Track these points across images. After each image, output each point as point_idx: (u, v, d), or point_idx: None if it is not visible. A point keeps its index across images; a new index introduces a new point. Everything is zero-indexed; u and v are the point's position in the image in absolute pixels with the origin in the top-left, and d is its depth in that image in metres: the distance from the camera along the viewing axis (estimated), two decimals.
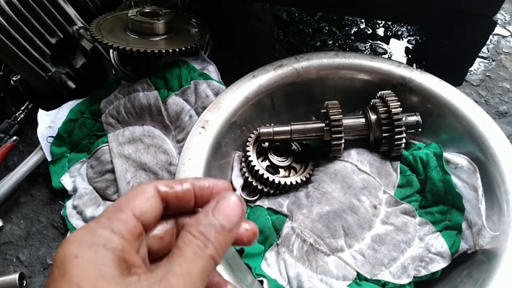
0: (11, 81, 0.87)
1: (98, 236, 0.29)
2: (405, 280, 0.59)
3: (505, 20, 1.15)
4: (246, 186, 0.71)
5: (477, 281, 0.56)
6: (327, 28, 1.08)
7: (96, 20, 0.84)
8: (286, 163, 0.73)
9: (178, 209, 0.36)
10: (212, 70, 0.82)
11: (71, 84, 0.83)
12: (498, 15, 1.13)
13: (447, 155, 0.68)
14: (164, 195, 0.35)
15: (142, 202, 0.33)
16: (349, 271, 0.60)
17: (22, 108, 0.87)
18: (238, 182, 0.71)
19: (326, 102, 0.71)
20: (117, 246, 0.29)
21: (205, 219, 0.31)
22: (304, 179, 0.71)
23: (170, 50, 0.77)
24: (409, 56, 1.03)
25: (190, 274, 0.29)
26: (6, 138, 0.82)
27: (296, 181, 0.70)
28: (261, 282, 0.59)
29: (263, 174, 0.69)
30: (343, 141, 0.69)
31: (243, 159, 0.73)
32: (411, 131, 0.71)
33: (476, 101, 0.85)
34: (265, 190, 0.69)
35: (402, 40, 1.06)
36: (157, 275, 0.28)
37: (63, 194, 0.78)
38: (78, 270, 0.27)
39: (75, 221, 0.72)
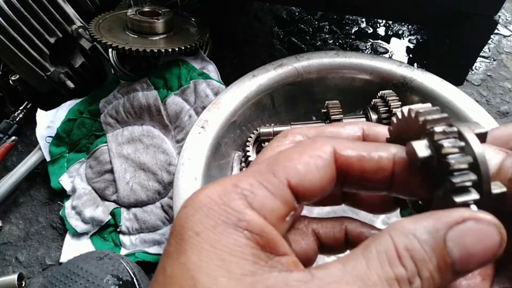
0: (10, 81, 0.86)
1: (230, 209, 0.21)
2: None
3: (506, 19, 1.14)
4: None
5: None
6: (328, 27, 1.07)
7: (95, 20, 0.83)
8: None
9: (365, 188, 0.25)
10: (211, 69, 0.81)
11: (70, 84, 0.83)
12: (499, 15, 1.13)
13: None
14: (344, 162, 0.24)
15: (305, 164, 0.23)
16: None
17: (21, 108, 0.86)
18: None
19: (326, 101, 0.71)
20: (255, 228, 0.21)
21: (427, 236, 0.20)
22: None
23: (170, 50, 0.76)
24: (410, 55, 1.02)
25: None
26: (4, 138, 0.82)
27: None
28: None
29: None
30: None
31: (243, 159, 0.72)
32: None
33: (477, 101, 0.84)
34: None
35: (403, 39, 1.06)
36: (321, 279, 0.19)
37: (62, 194, 0.77)
38: (197, 257, 0.20)
39: (74, 221, 0.72)
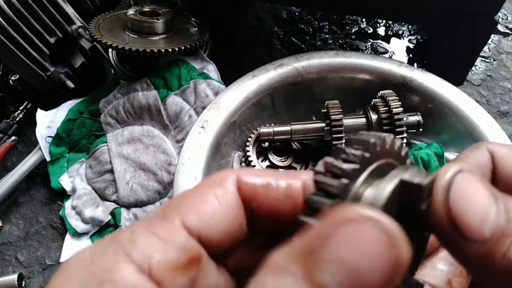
0: (10, 81, 0.86)
1: (98, 267, 0.17)
2: None
3: (506, 19, 1.14)
4: None
5: None
6: (328, 27, 1.07)
7: (95, 20, 0.83)
8: (286, 163, 0.73)
9: (276, 223, 0.21)
10: (211, 69, 0.81)
11: (70, 84, 0.83)
12: (499, 15, 1.13)
13: (448, 155, 0.67)
14: (248, 192, 0.20)
15: (204, 202, 0.19)
16: None
17: (21, 108, 0.86)
18: None
19: (326, 101, 0.71)
20: None
21: (297, 266, 0.15)
22: None
23: (170, 50, 0.76)
24: (410, 55, 1.02)
25: None
26: (5, 138, 0.82)
27: None
28: None
29: None
30: (343, 141, 0.69)
31: (243, 159, 0.72)
32: (412, 131, 0.70)
33: (477, 101, 0.84)
34: None
35: (403, 39, 1.06)
36: None
37: (62, 194, 0.77)
38: None
39: (74, 221, 0.72)
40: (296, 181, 0.21)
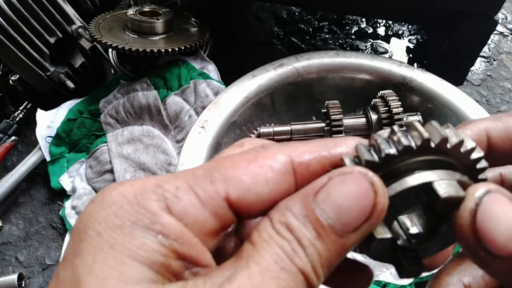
0: (10, 81, 0.86)
1: (144, 209, 0.18)
2: (406, 281, 0.59)
3: (506, 19, 1.14)
4: None
5: None
6: (328, 27, 1.07)
7: (95, 20, 0.83)
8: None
9: None
10: (211, 69, 0.81)
11: (70, 84, 0.83)
12: (499, 15, 1.13)
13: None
14: (306, 170, 0.21)
15: (252, 179, 0.20)
16: None
17: (21, 108, 0.86)
18: None
19: (326, 101, 0.70)
20: (172, 233, 0.18)
21: (298, 206, 0.19)
22: None
23: (170, 50, 0.76)
24: (410, 55, 1.02)
25: None
26: (4, 138, 0.82)
27: None
28: None
29: None
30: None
31: None
32: None
33: (477, 101, 0.84)
34: None
35: (403, 39, 1.06)
36: (206, 284, 0.17)
37: (62, 194, 0.77)
38: (92, 258, 0.17)
39: (73, 221, 0.72)
40: (345, 147, 0.22)
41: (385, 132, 0.21)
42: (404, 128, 0.21)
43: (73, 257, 0.18)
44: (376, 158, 0.20)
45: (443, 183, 0.20)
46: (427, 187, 0.20)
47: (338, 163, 0.21)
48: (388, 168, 0.20)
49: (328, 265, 0.19)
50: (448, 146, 0.21)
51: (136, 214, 0.18)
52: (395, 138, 0.21)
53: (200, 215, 0.19)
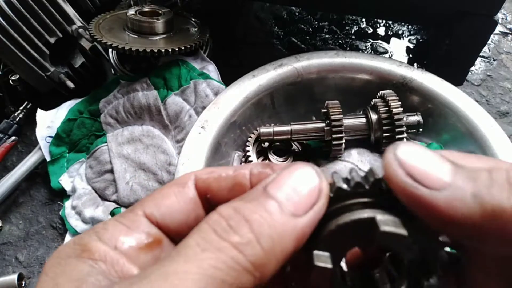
0: (10, 81, 0.86)
1: (78, 245, 0.22)
2: None
3: (506, 19, 1.14)
4: None
5: None
6: (328, 27, 1.07)
7: (95, 20, 0.83)
8: (286, 163, 0.73)
9: None
10: (211, 69, 0.81)
11: (70, 84, 0.83)
12: (499, 15, 1.13)
13: None
14: (203, 186, 0.24)
15: (164, 198, 0.24)
16: None
17: (21, 108, 0.86)
18: None
19: (326, 101, 0.70)
20: (98, 256, 0.21)
21: (250, 194, 0.21)
22: None
23: (170, 50, 0.76)
24: (410, 55, 1.02)
25: (173, 276, 0.17)
26: (5, 138, 0.82)
27: None
28: None
29: None
30: (343, 141, 0.69)
31: (243, 159, 0.72)
32: (412, 131, 0.70)
33: (477, 101, 0.84)
34: None
35: (403, 39, 1.06)
36: (138, 276, 0.19)
37: (62, 195, 0.77)
38: None
39: (74, 221, 0.72)
40: (243, 170, 0.24)
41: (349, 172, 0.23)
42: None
43: None
44: (345, 186, 0.22)
45: (386, 219, 0.21)
46: (371, 222, 0.21)
47: (239, 182, 0.24)
48: (346, 202, 0.22)
49: (279, 249, 0.19)
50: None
51: (71, 250, 0.22)
52: (354, 175, 0.23)
53: (126, 235, 0.22)
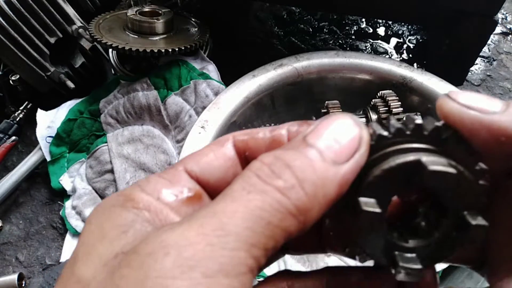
0: (10, 81, 0.86)
1: (121, 196, 0.22)
2: None
3: (506, 19, 1.14)
4: None
5: (478, 281, 0.56)
6: (328, 27, 1.07)
7: (95, 20, 0.83)
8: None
9: None
10: (211, 69, 0.81)
11: (70, 84, 0.83)
12: (499, 15, 1.13)
13: None
14: (241, 145, 0.25)
15: (203, 155, 0.24)
16: None
17: (21, 108, 0.86)
18: None
19: (326, 101, 0.71)
20: (141, 205, 0.21)
21: (290, 144, 0.21)
22: None
23: (170, 50, 0.76)
24: (410, 55, 1.02)
25: (222, 214, 0.18)
26: (5, 138, 0.82)
27: None
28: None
29: None
30: None
31: None
32: None
33: None
34: None
35: (403, 39, 1.06)
36: (185, 218, 0.19)
37: (62, 194, 0.77)
38: (83, 239, 0.21)
39: (74, 221, 0.72)
40: (280, 130, 0.25)
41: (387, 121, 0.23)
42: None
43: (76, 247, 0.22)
44: (386, 133, 0.22)
45: (432, 160, 0.21)
46: (418, 165, 0.21)
47: (277, 139, 0.24)
48: (390, 148, 0.22)
49: (322, 194, 0.19)
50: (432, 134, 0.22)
51: (114, 200, 0.22)
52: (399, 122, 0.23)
53: (168, 187, 0.23)
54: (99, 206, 0.23)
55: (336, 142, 0.20)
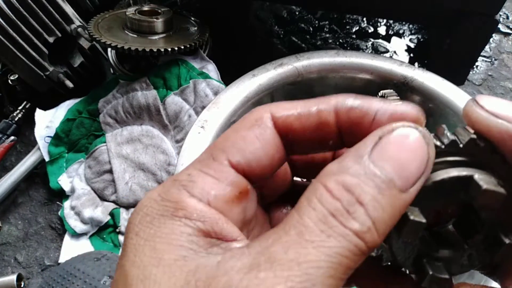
0: (9, 81, 0.86)
1: (168, 202, 0.20)
2: None
3: (507, 19, 1.14)
4: None
5: (479, 282, 0.55)
6: (328, 26, 1.07)
7: (94, 19, 0.83)
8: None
9: (312, 149, 0.24)
10: (211, 69, 0.81)
11: (69, 84, 0.83)
12: (500, 14, 1.12)
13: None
14: (284, 126, 0.22)
15: (247, 143, 0.22)
16: None
17: (20, 107, 0.86)
18: None
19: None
20: (195, 215, 0.20)
21: (354, 166, 0.19)
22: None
23: (169, 49, 0.76)
24: (411, 55, 1.02)
25: (306, 264, 0.17)
26: (3, 138, 0.82)
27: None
28: None
29: None
30: None
31: None
32: None
33: None
34: None
35: (404, 38, 1.05)
36: (248, 257, 0.18)
37: (61, 195, 0.77)
38: (133, 254, 0.20)
39: (73, 222, 0.72)
40: (325, 105, 0.22)
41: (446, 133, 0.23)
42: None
43: (121, 260, 0.20)
44: (439, 143, 0.22)
45: (484, 178, 0.21)
46: (469, 180, 0.21)
47: (324, 121, 0.22)
48: (439, 159, 0.21)
49: (388, 222, 0.19)
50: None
51: (162, 208, 0.20)
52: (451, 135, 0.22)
53: (217, 188, 0.21)
54: (143, 212, 0.21)
55: (405, 166, 0.19)
